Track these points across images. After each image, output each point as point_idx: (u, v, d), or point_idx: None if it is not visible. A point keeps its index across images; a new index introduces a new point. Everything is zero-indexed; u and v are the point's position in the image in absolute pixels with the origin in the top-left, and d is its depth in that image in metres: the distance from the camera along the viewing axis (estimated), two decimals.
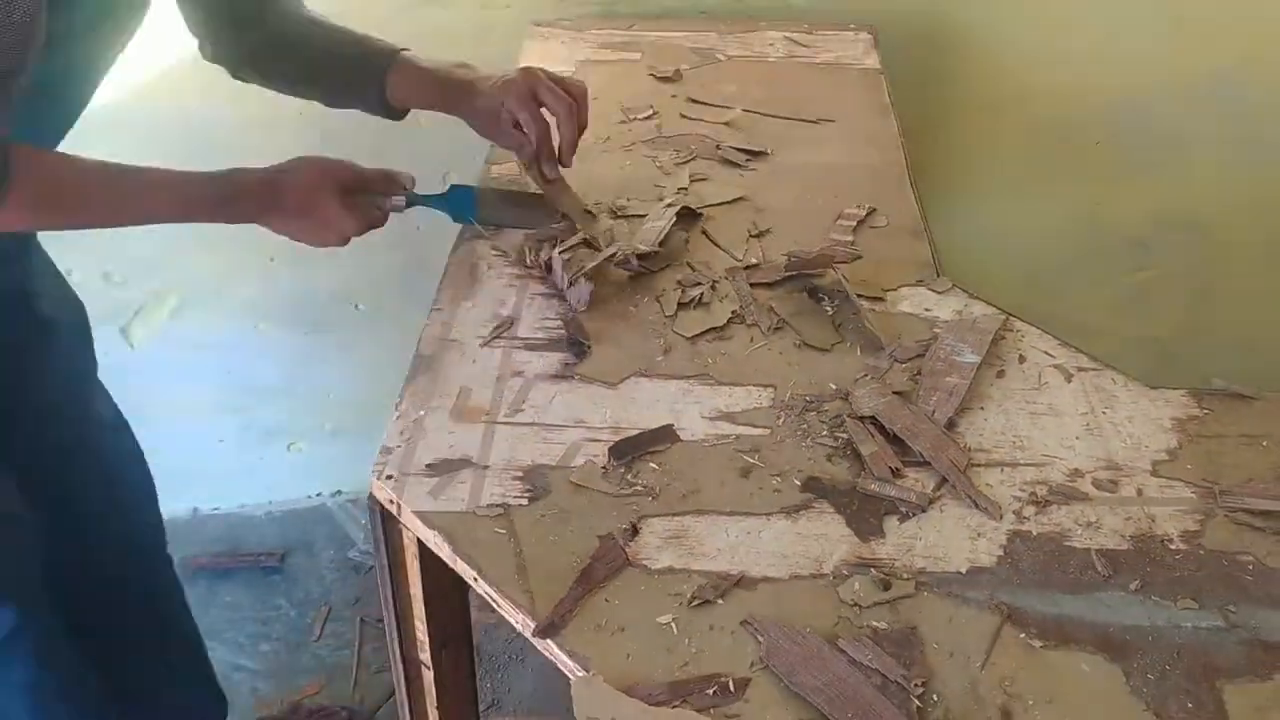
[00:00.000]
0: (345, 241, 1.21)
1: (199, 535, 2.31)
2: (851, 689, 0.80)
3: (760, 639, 0.84)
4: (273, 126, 1.88)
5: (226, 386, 2.22)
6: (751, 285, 1.18)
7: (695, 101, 1.52)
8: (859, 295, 1.14)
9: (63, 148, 1.27)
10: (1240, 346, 2.28)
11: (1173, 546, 0.90)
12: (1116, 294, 2.25)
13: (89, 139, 1.86)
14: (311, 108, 1.68)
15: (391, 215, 1.25)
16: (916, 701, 0.79)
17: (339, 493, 2.40)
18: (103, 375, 2.15)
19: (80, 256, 2.01)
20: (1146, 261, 2.22)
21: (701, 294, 1.15)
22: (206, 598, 2.18)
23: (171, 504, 2.33)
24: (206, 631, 2.10)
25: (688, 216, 1.27)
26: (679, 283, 1.18)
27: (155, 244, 2.01)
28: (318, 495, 2.40)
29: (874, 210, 1.30)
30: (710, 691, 0.80)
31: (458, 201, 1.28)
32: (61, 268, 2.01)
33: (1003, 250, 2.11)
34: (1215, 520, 0.92)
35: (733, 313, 1.14)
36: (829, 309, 1.14)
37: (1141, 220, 2.17)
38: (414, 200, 1.25)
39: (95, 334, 2.09)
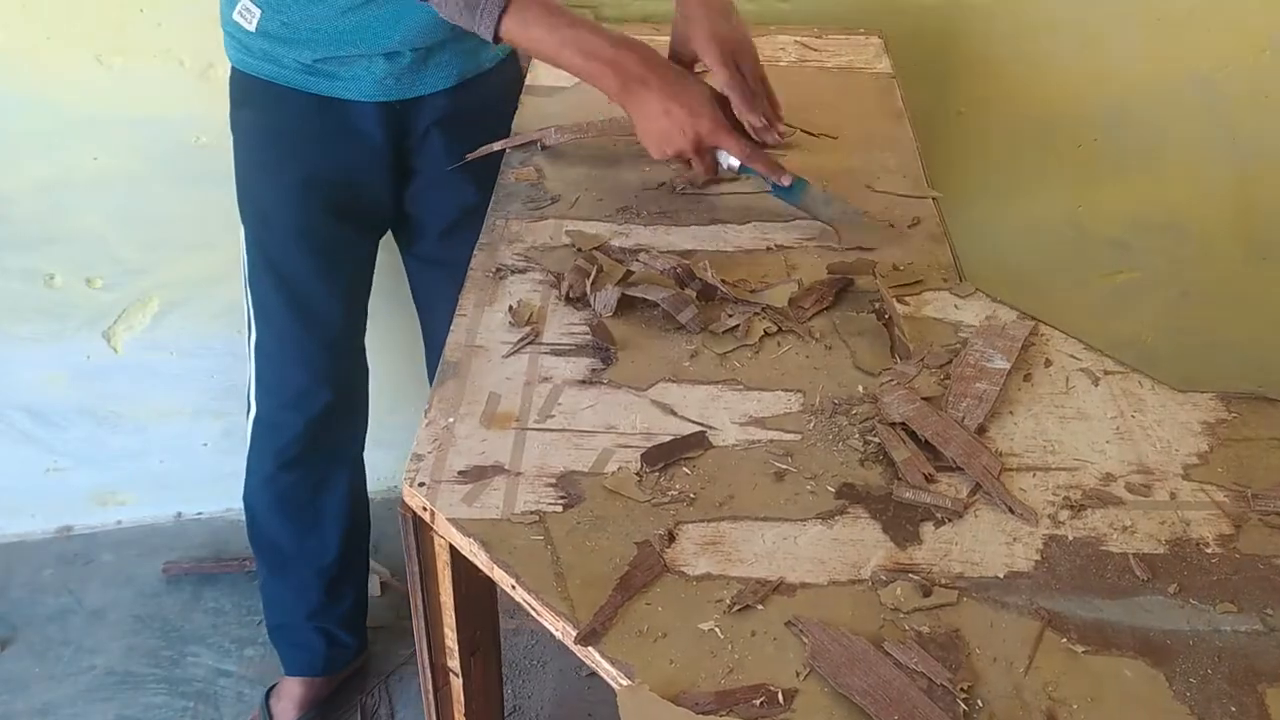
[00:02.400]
0: (684, 151, 1.23)
1: (182, 540, 2.27)
2: (898, 691, 0.80)
3: (805, 640, 0.84)
4: None
5: (210, 390, 2.19)
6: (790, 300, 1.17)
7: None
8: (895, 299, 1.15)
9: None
10: (1219, 347, 2.32)
11: (1208, 550, 0.91)
12: (1098, 295, 2.28)
13: (77, 145, 1.84)
14: None
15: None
16: (963, 705, 0.80)
17: None
18: (85, 379, 2.13)
19: (62, 260, 1.98)
20: (1127, 263, 2.25)
21: (737, 325, 1.13)
22: (191, 603, 2.15)
23: (154, 509, 2.31)
24: (190, 636, 2.09)
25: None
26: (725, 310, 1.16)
27: (137, 248, 1.98)
28: None
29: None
30: (758, 702, 0.80)
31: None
32: (44, 271, 1.99)
33: (986, 252, 2.13)
34: (1249, 524, 0.93)
35: (764, 331, 1.13)
36: (874, 314, 1.14)
37: (1122, 222, 2.20)
38: (746, 170, 1.26)
39: (77, 338, 2.07)
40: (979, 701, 0.80)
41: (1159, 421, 1.03)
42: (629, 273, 1.17)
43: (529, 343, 1.11)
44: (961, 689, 0.80)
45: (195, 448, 2.25)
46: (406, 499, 0.96)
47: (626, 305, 1.14)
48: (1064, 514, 0.94)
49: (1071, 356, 1.10)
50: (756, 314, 1.14)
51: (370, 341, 2.14)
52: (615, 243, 1.24)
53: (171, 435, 2.22)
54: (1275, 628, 0.85)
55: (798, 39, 1.69)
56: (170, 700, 1.98)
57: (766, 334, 1.12)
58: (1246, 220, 2.21)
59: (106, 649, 2.07)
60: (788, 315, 1.14)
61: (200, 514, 2.33)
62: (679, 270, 1.15)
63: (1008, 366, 1.06)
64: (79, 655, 2.05)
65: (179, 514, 2.33)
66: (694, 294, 1.14)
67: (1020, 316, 1.15)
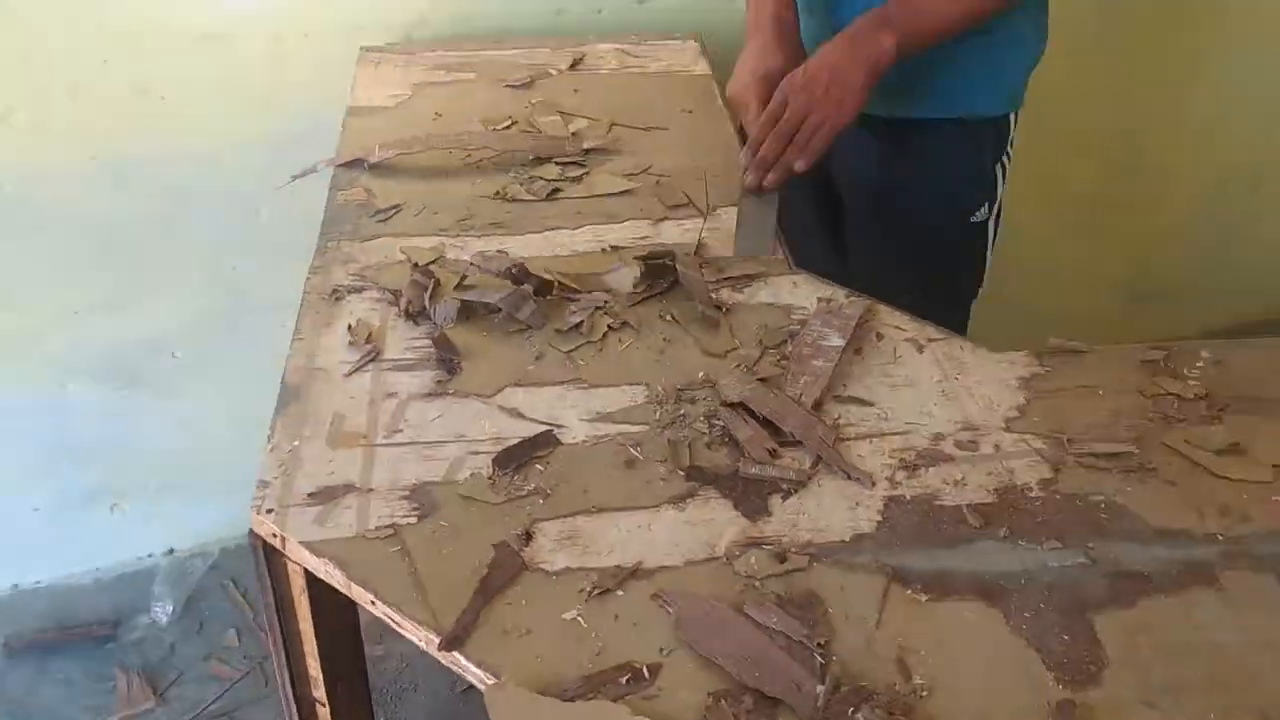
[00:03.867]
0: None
1: (22, 612, 2.15)
2: (759, 651, 0.83)
3: (670, 610, 0.86)
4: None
5: (36, 451, 2.08)
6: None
7: (563, 113, 1.54)
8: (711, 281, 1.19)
9: None
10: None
11: (1032, 494, 0.97)
12: None
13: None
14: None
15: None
16: (820, 659, 0.83)
17: (172, 550, 2.28)
18: None
19: None
20: None
21: (581, 321, 1.15)
22: (36, 676, 2.03)
23: None
24: (40, 712, 1.97)
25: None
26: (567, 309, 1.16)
27: None
28: (149, 556, 2.27)
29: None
30: (624, 680, 0.81)
31: None
32: None
33: None
34: (1067, 467, 1.00)
35: (608, 326, 1.14)
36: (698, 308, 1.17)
37: None
38: None
39: None
40: (835, 656, 0.83)
41: (980, 381, 1.10)
42: (463, 277, 1.18)
43: (370, 360, 1.10)
44: (819, 645, 0.84)
45: (26, 513, 2.13)
46: (255, 527, 0.94)
47: (468, 315, 1.15)
48: (900, 475, 0.99)
49: (897, 328, 1.16)
50: (599, 308, 1.16)
51: (221, 382, 2.07)
52: (450, 255, 1.24)
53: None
54: (1097, 559, 0.91)
55: (617, 46, 1.73)
56: None
57: (610, 329, 1.14)
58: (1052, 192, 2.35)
59: None
60: (623, 301, 1.17)
61: (39, 583, 2.20)
62: (513, 269, 1.16)
63: (843, 343, 1.11)
64: None
65: (15, 585, 2.20)
66: (531, 290, 1.16)
67: (850, 295, 1.20)
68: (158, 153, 1.81)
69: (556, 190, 1.38)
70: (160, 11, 1.69)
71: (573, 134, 1.47)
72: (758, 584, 0.88)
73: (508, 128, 1.48)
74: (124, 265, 1.91)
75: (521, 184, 1.39)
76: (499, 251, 1.25)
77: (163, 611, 2.16)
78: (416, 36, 1.78)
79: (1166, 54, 2.32)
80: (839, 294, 1.20)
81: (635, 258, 1.21)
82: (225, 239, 1.93)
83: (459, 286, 1.17)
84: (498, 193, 1.37)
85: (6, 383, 1.98)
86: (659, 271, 1.20)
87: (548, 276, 1.17)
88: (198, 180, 1.86)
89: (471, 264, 1.20)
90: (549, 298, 1.17)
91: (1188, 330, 2.57)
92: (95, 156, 1.80)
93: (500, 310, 1.14)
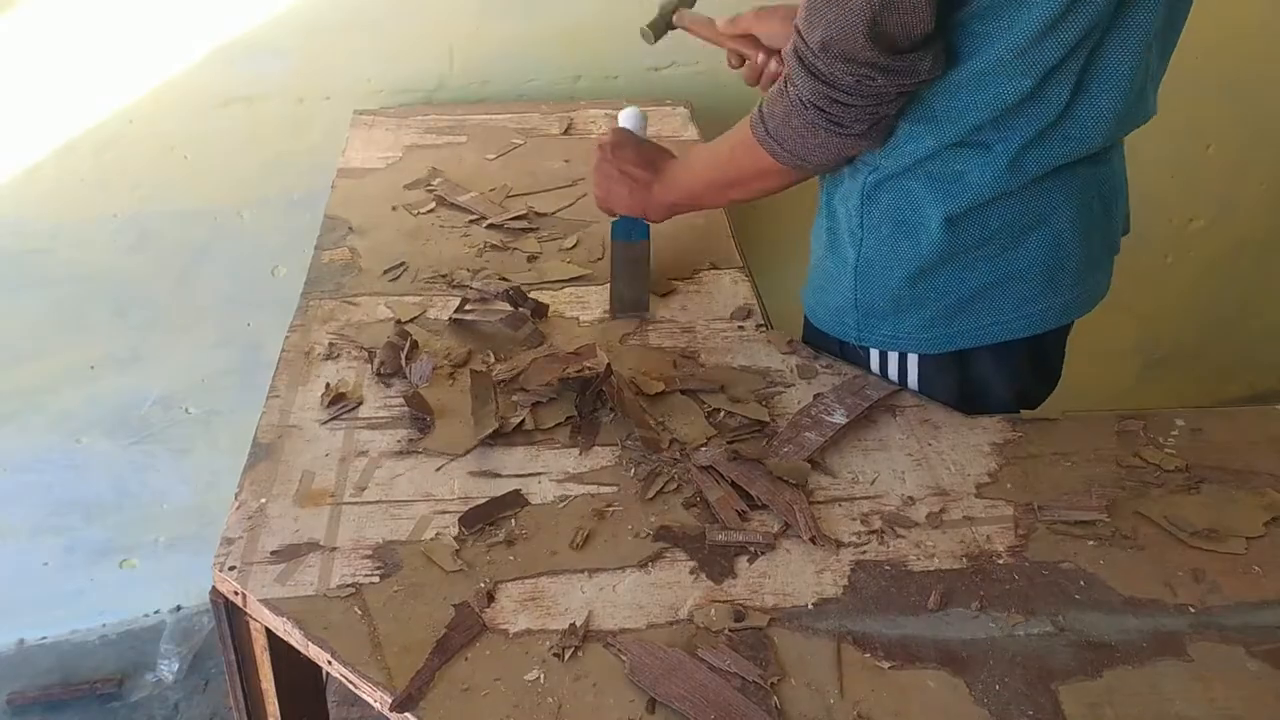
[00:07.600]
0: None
1: (26, 668, 2.15)
2: (714, 693, 0.83)
3: (623, 658, 0.86)
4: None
5: (48, 506, 2.10)
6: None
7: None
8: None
9: None
10: None
11: (1001, 562, 0.96)
12: None
13: None
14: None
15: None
16: (775, 699, 0.83)
17: (179, 607, 2.29)
18: None
19: None
20: None
21: (524, 417, 1.12)
22: None
23: None
24: None
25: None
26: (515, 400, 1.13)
27: None
28: (155, 613, 2.28)
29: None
30: None
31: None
32: None
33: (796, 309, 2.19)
34: (1037, 533, 0.98)
35: (566, 417, 1.12)
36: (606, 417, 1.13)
37: None
38: None
39: None
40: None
41: (953, 446, 1.08)
42: (463, 302, 1.19)
43: (348, 411, 1.11)
44: (771, 684, 0.84)
45: (35, 568, 2.15)
46: (217, 584, 0.94)
47: (440, 373, 1.16)
48: (869, 540, 0.98)
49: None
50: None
51: (232, 438, 2.09)
52: (431, 314, 1.26)
53: (9, 556, 2.12)
54: (1064, 628, 0.89)
55: (607, 111, 1.75)
56: None
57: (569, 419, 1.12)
58: None
59: None
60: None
61: (44, 638, 2.21)
62: (510, 292, 1.18)
63: (845, 421, 1.10)
64: None
65: (21, 640, 2.21)
66: (528, 312, 1.17)
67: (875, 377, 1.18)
68: (179, 211, 1.85)
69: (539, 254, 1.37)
70: (186, 74, 1.73)
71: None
72: (713, 634, 0.88)
73: (431, 210, 1.49)
74: (141, 321, 1.94)
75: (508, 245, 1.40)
76: (499, 278, 1.27)
77: (168, 669, 2.16)
78: (435, 100, 1.81)
79: (1181, 124, 2.32)
80: (826, 362, 1.20)
81: (560, 379, 1.13)
82: (242, 296, 1.96)
83: (459, 310, 1.18)
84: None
85: (21, 437, 2.01)
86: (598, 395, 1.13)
87: (545, 300, 1.19)
88: (217, 238, 1.89)
89: (472, 288, 1.21)
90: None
91: (1200, 400, 2.53)
92: (118, 214, 1.84)
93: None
